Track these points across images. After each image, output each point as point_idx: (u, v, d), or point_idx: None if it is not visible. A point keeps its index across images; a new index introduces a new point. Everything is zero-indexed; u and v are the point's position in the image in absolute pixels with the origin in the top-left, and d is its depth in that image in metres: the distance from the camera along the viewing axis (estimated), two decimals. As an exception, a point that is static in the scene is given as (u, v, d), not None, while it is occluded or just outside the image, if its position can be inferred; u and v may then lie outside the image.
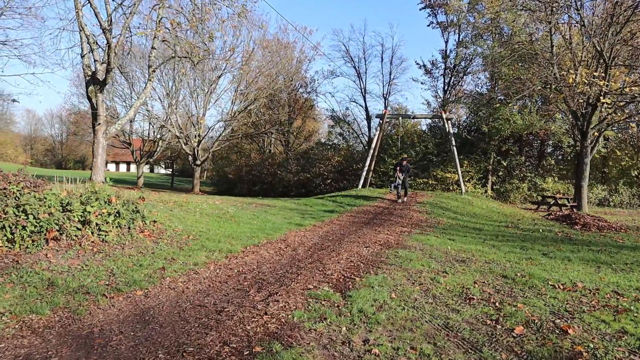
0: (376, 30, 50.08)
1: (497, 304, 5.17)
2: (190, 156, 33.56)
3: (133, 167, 46.91)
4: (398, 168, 18.27)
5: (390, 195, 19.34)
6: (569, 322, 4.62)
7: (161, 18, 16.65)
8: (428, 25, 34.15)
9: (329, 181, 32.03)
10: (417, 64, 35.90)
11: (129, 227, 7.88)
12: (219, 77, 32.14)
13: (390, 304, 5.04)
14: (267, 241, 8.71)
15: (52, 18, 31.96)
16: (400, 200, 18.00)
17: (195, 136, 32.40)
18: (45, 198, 6.78)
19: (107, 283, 5.38)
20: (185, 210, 11.57)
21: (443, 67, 33.87)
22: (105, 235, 7.13)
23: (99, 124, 16.32)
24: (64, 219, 6.67)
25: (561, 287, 6.01)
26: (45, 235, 6.37)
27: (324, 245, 8.57)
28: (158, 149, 40.24)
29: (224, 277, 6.05)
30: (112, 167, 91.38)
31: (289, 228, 10.83)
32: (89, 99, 16.44)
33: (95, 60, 16.34)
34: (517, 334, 4.28)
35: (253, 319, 4.45)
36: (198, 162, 33.26)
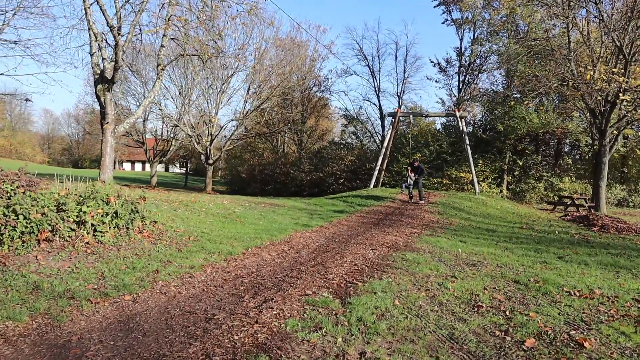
0: (390, 28, 50.05)
1: (507, 313, 4.83)
2: (202, 155, 33.48)
3: (148, 166, 47.19)
4: (409, 168, 17.95)
5: (401, 196, 18.93)
6: (585, 333, 4.26)
7: (170, 16, 16.49)
8: (443, 23, 33.81)
9: (341, 181, 31.78)
10: (432, 61, 35.44)
11: (128, 228, 7.65)
12: (231, 75, 31.96)
13: (393, 312, 4.72)
14: (270, 243, 8.43)
15: (62, 17, 31.99)
16: (413, 201, 17.54)
17: (208, 135, 32.30)
18: (39, 198, 6.57)
19: (96, 287, 5.14)
20: (190, 210, 11.34)
21: (458, 65, 33.40)
22: (101, 236, 6.91)
23: (107, 122, 16.20)
24: (57, 219, 6.45)
25: (577, 294, 5.64)
26: (37, 236, 6.15)
27: (329, 248, 8.26)
28: (171, 148, 40.24)
29: (220, 281, 5.78)
30: (127, 166, 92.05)
31: (295, 229, 10.54)
32: (98, 97, 16.34)
33: (103, 59, 16.23)
34: (527, 347, 3.94)
35: (243, 328, 4.16)
36: (210, 162, 33.15)
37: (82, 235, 6.63)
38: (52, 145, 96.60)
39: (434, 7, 32.59)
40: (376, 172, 22.74)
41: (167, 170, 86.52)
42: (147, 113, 37.45)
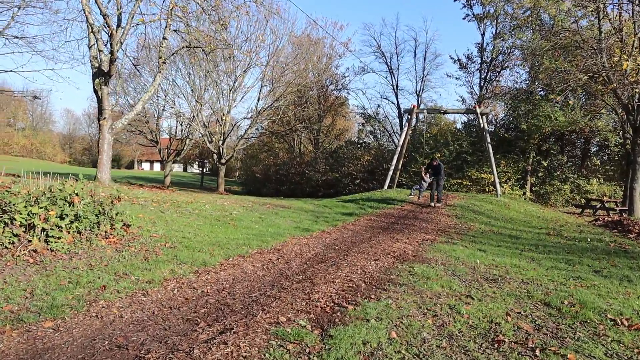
0: (409, 24, 48.44)
1: (537, 352, 3.67)
2: (215, 154, 32.62)
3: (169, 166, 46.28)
4: (423, 169, 16.82)
5: (419, 199, 17.58)
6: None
7: (173, 7, 15.57)
8: (464, 18, 32.34)
9: (358, 181, 30.73)
10: (452, 58, 33.89)
11: (94, 232, 6.65)
12: (244, 72, 31.01)
13: (386, 350, 3.60)
14: (258, 251, 7.35)
15: (63, 9, 31.55)
16: (433, 204, 15.78)
17: (220, 134, 31.41)
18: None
19: (16, 309, 4.11)
20: (180, 212, 10.33)
21: (479, 61, 32.01)
22: (55, 243, 5.91)
23: (104, 118, 15.36)
24: (-3, 222, 5.47)
25: (625, 323, 4.45)
26: (-32, 243, 5.18)
27: (326, 257, 7.15)
28: (185, 148, 39.49)
29: (180, 300, 4.71)
30: (146, 166, 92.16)
31: (294, 234, 9.45)
32: (96, 92, 15.49)
33: (100, 51, 15.37)
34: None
35: (176, 376, 3.08)
36: (223, 161, 32.27)
37: (28, 242, 5.63)
38: (73, 145, 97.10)
39: (454, 0, 31.30)
40: (391, 172, 21.51)
41: (185, 170, 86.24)
42: (160, 111, 36.81)
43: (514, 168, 25.25)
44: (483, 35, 31.75)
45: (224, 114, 31.05)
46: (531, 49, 21.79)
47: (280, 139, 41.33)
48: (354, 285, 5.51)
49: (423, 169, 16.80)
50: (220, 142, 31.41)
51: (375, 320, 4.25)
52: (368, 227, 11.13)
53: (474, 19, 31.34)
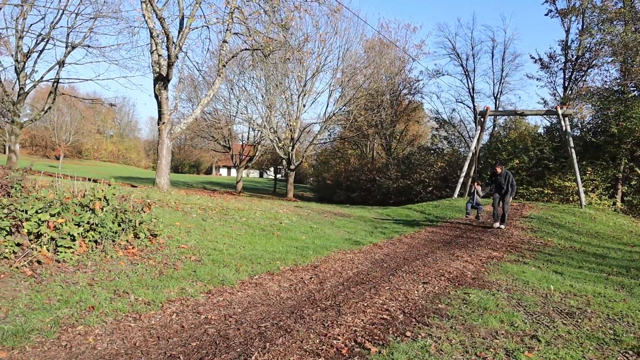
0: (486, 23, 46.02)
1: None
2: (284, 160, 32.42)
3: (244, 172, 46.51)
4: (476, 183, 13.99)
5: (488, 207, 15.97)
6: None
7: (233, 9, 15.24)
8: (546, 14, 30.02)
9: (430, 189, 29.42)
10: (532, 57, 31.63)
11: (114, 241, 6.13)
12: (314, 76, 30.56)
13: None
14: (292, 267, 6.53)
15: (133, 18, 32.71)
16: (496, 226, 12.29)
17: (290, 140, 31.14)
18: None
19: (-22, 335, 3.53)
20: (225, 220, 9.74)
21: (563, 59, 29.56)
22: (64, 253, 5.40)
23: (163, 123, 15.24)
24: (-3, 230, 5.02)
25: None
26: (-37, 252, 4.75)
27: (368, 277, 6.22)
28: (257, 153, 39.67)
29: (174, 329, 3.98)
30: (223, 171, 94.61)
31: (341, 247, 8.56)
32: (156, 97, 15.42)
33: (159, 55, 15.29)
34: None
35: None
36: (292, 167, 31.99)
37: (32, 252, 5.14)
38: (156, 152, 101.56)
39: (536, -4, 29.12)
40: (462, 180, 20.07)
41: (261, 175, 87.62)
42: (232, 117, 37.14)
43: (602, 176, 22.84)
44: (567, 31, 29.36)
45: (293, 120, 30.75)
46: (624, 42, 19.59)
47: (353, 145, 40.57)
48: (389, 316, 4.55)
49: (476, 183, 13.98)
50: (290, 147, 31.14)
51: (402, 370, 3.30)
52: (428, 240, 10.03)
53: (557, 14, 29.05)
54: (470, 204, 13.52)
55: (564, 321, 4.67)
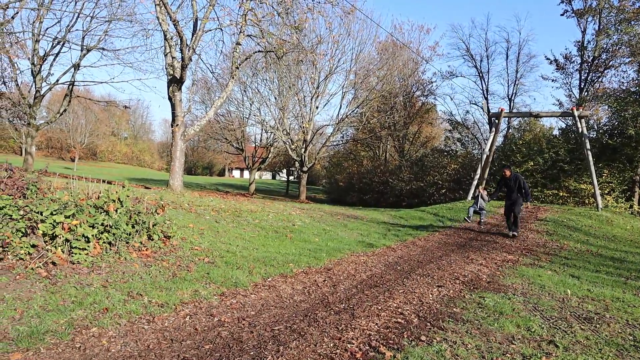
0: (500, 24, 45.44)
1: None
2: (297, 162, 32.46)
3: (257, 173, 46.41)
4: (481, 187, 13.05)
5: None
6: None
7: (247, 12, 15.28)
8: (562, 15, 29.74)
9: (443, 191, 29.22)
10: (547, 59, 31.21)
11: (127, 243, 6.15)
12: (326, 78, 30.55)
13: None
14: (305, 270, 6.49)
15: (147, 20, 32.94)
16: (510, 234, 11.34)
17: (302, 141, 31.18)
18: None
19: (-7, 335, 3.55)
20: (238, 222, 9.75)
21: (579, 61, 29.26)
22: (79, 255, 5.42)
23: (177, 125, 15.30)
24: (14, 231, 5.05)
25: None
26: (-21, 253, 4.80)
27: (382, 280, 6.17)
28: (269, 155, 39.77)
29: (187, 331, 3.97)
30: (236, 173, 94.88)
31: (354, 250, 8.52)
32: (170, 99, 15.50)
33: (173, 57, 15.37)
34: None
35: None
36: (305, 169, 32.00)
37: (46, 253, 5.17)
38: (170, 154, 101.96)
39: (551, -3, 28.89)
40: (475, 182, 19.91)
41: (274, 177, 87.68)
42: (245, 119, 37.26)
43: (618, 178, 22.53)
44: (584, 32, 29.06)
45: (306, 122, 30.78)
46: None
47: (366, 146, 40.52)
48: (403, 320, 4.50)
49: (481, 187, 12.99)
50: (302, 149, 31.17)
51: (417, 375, 3.25)
52: (441, 243, 9.94)
53: (573, 14, 28.79)
54: (473, 208, 12.60)
55: (582, 326, 4.59)
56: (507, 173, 11.62)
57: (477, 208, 12.57)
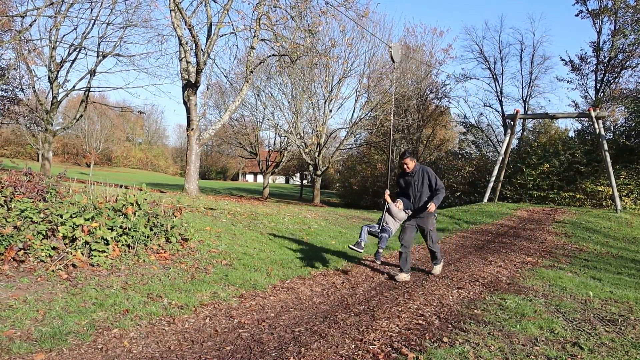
0: (514, 26, 45.00)
1: None
2: (311, 166, 32.48)
3: (270, 178, 46.38)
4: (387, 192, 6.74)
5: (520, 212, 15.60)
6: None
7: (261, 16, 15.35)
8: (576, 15, 29.41)
9: (458, 193, 29.05)
10: (562, 60, 30.88)
11: (146, 245, 6.18)
12: (340, 81, 30.54)
13: None
14: (323, 272, 6.48)
15: (163, 26, 33.27)
16: (399, 278, 6.31)
17: (316, 145, 31.18)
18: (19, 206, 5.28)
19: (18, 334, 3.57)
20: (254, 225, 9.76)
21: (595, 61, 28.89)
22: (98, 257, 5.46)
23: (192, 129, 15.38)
24: (34, 233, 5.10)
25: None
26: (2, 255, 4.83)
27: (400, 283, 6.12)
28: (283, 159, 39.85)
29: (208, 333, 3.97)
30: (250, 177, 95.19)
31: (371, 252, 8.46)
32: (185, 103, 15.60)
33: (188, 62, 15.48)
34: None
35: None
36: (319, 173, 32.00)
37: (67, 256, 5.21)
38: (184, 158, 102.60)
39: (566, -3, 28.61)
40: (491, 184, 19.75)
41: (287, 181, 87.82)
42: (259, 124, 37.39)
43: (636, 180, 22.20)
44: (599, 32, 28.71)
45: (319, 125, 30.79)
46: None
47: (379, 150, 40.40)
48: (424, 321, 4.46)
49: (387, 191, 6.82)
50: (316, 153, 31.17)
51: (441, 376, 3.21)
52: (459, 245, 9.86)
53: (588, 15, 28.45)
54: (368, 227, 6.60)
55: (606, 328, 4.50)
56: (410, 164, 6.56)
57: (375, 229, 6.59)
